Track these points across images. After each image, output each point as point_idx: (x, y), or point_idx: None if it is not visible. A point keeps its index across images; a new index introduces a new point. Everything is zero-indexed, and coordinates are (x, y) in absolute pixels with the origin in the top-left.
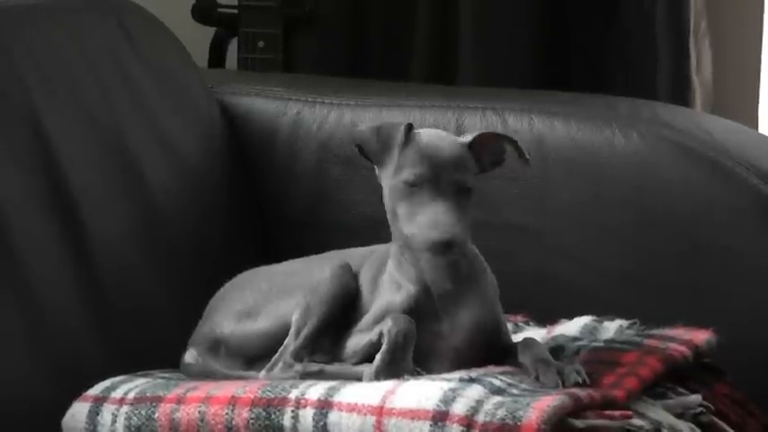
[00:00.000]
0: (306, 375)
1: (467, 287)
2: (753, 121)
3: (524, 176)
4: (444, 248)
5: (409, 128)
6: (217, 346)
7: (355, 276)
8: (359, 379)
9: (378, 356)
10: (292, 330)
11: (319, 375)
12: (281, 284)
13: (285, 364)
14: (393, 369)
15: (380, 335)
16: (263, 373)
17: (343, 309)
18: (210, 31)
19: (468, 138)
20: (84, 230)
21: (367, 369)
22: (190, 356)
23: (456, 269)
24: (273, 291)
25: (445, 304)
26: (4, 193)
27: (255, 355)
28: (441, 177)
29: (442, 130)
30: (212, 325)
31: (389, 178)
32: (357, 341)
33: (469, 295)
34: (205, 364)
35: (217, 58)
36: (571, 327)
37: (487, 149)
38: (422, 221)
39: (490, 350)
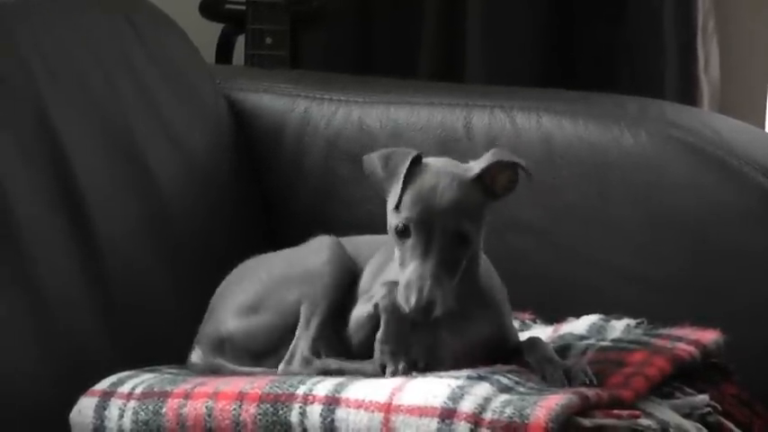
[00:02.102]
0: (325, 372)
1: (472, 302)
2: (760, 121)
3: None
4: (422, 316)
5: (417, 160)
6: (221, 345)
7: (350, 258)
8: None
9: (376, 346)
10: (302, 322)
11: (338, 373)
12: (280, 275)
13: (304, 359)
14: (393, 350)
15: (376, 306)
16: (281, 367)
17: (346, 292)
18: (218, 28)
19: (475, 169)
20: (91, 225)
21: (370, 365)
22: (196, 356)
23: (459, 292)
24: (273, 282)
25: (446, 316)
26: (11, 187)
27: (261, 351)
28: (434, 226)
29: (449, 159)
30: (216, 323)
31: (390, 212)
32: (357, 315)
33: (474, 310)
34: (212, 363)
35: (224, 54)
36: (578, 325)
37: (499, 175)
38: (404, 280)
39: (494, 353)
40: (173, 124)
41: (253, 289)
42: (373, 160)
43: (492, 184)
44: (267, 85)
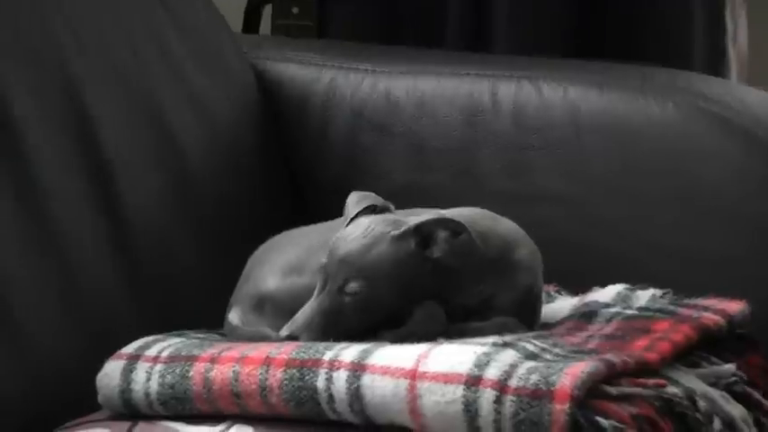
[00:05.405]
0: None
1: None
2: None
3: (560, 146)
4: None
5: (372, 209)
6: (261, 304)
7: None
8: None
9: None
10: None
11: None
12: (323, 241)
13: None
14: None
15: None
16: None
17: None
18: None
19: (399, 230)
20: (117, 194)
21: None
22: (235, 317)
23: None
24: (315, 246)
25: None
26: (37, 155)
27: None
28: (329, 273)
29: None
30: (255, 282)
31: None
32: None
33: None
34: (254, 326)
35: (251, 23)
36: (604, 294)
37: (439, 235)
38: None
39: None
40: (199, 94)
41: (294, 253)
42: (350, 197)
43: (431, 243)
44: (293, 54)
